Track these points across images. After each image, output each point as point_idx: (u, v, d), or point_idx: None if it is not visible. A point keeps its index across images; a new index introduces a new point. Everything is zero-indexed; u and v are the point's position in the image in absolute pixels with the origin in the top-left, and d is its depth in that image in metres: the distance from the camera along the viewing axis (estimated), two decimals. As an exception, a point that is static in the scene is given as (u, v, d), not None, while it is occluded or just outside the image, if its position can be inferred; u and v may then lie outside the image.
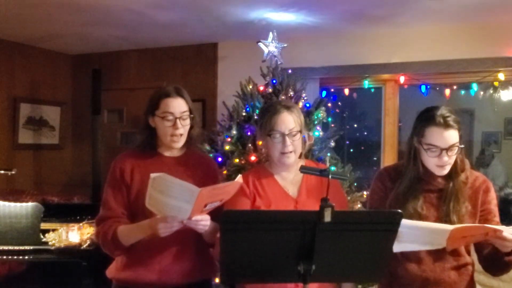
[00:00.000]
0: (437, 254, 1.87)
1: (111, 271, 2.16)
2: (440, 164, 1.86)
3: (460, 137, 1.87)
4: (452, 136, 1.84)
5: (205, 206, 1.86)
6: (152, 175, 1.78)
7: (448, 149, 1.83)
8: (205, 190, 1.75)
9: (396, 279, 1.95)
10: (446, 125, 1.83)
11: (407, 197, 1.92)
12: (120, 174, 2.09)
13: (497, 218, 1.91)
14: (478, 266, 1.99)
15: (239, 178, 1.92)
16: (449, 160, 1.85)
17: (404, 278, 1.94)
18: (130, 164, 2.11)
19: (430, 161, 1.88)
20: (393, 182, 1.99)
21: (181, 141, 2.12)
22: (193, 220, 1.86)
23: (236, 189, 1.94)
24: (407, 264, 1.92)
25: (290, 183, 2.12)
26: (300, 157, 2.16)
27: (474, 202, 1.83)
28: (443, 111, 1.87)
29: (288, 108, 2.10)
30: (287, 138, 2.04)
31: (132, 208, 2.09)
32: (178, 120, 2.06)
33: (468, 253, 1.97)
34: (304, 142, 2.14)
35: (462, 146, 1.88)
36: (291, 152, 2.05)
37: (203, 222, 1.90)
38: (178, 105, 2.08)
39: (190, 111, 2.13)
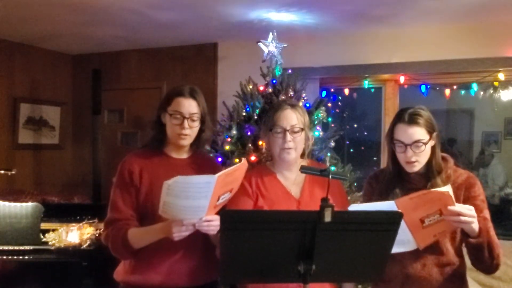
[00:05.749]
0: (419, 251, 1.88)
1: (119, 274, 2.13)
2: (406, 160, 1.91)
3: (431, 136, 1.91)
4: (416, 132, 1.88)
5: (218, 199, 1.86)
6: (166, 182, 1.74)
7: (412, 144, 1.88)
8: (221, 177, 1.75)
9: None
10: (410, 122, 1.89)
11: (387, 193, 1.96)
12: (129, 175, 2.07)
13: (485, 214, 1.90)
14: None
15: (244, 161, 1.93)
16: (414, 156, 1.89)
17: (387, 274, 1.94)
18: (139, 165, 2.09)
19: (400, 157, 1.94)
20: (379, 183, 2.05)
21: (188, 140, 2.11)
22: (204, 221, 1.85)
23: (243, 172, 1.95)
24: (389, 260, 1.92)
25: (292, 183, 2.12)
26: (302, 157, 2.17)
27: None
28: (413, 109, 1.93)
29: (292, 106, 2.13)
30: (288, 134, 2.05)
31: (141, 210, 2.07)
32: (186, 121, 2.05)
33: (457, 253, 1.96)
34: (307, 141, 2.15)
35: (432, 144, 1.92)
36: (291, 148, 2.06)
37: (214, 222, 1.87)
38: (189, 106, 2.07)
39: (202, 115, 2.12)
